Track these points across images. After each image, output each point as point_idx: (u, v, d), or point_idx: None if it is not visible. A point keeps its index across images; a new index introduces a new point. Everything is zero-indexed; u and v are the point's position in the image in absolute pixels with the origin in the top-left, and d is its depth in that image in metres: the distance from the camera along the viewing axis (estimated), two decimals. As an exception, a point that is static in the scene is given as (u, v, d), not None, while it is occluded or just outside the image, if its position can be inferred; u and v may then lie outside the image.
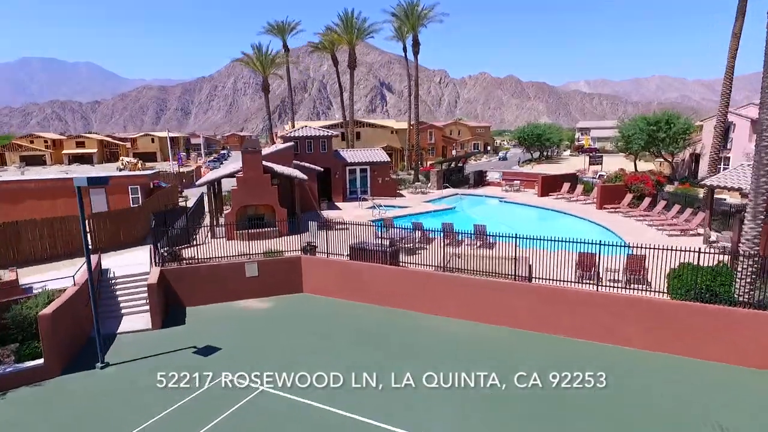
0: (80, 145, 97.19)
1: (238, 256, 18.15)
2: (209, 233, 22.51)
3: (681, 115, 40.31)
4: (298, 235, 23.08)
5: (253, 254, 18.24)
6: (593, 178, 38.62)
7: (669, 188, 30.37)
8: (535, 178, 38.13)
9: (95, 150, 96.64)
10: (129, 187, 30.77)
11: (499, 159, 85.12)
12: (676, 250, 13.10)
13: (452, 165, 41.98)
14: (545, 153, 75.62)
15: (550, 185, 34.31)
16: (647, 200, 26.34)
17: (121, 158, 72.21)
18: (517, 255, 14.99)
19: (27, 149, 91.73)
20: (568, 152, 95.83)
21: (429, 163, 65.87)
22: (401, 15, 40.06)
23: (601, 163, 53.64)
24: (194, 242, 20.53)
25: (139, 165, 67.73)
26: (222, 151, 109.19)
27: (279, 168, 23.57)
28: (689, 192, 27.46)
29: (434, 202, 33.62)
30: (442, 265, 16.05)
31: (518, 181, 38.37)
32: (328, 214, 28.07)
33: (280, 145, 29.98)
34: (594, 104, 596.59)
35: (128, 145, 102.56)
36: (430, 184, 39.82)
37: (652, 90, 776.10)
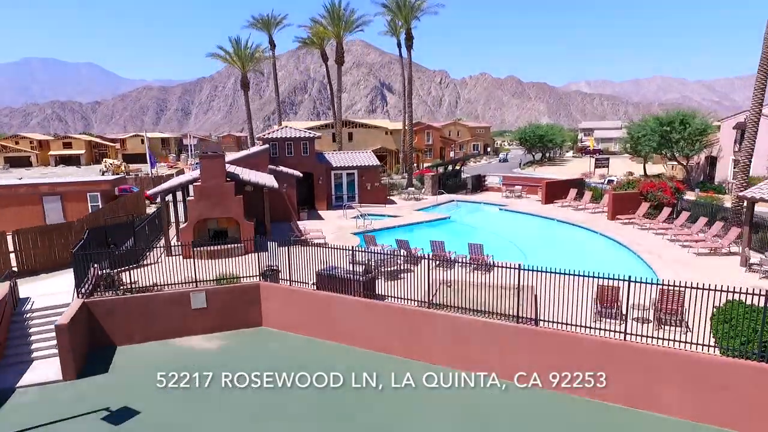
0: (67, 146, 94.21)
1: (185, 283, 15.05)
2: (164, 251, 19.51)
3: (696, 114, 37.23)
4: (266, 253, 20.12)
5: (203, 280, 15.15)
6: (601, 183, 35.58)
7: (689, 195, 27.31)
8: (538, 183, 35.07)
9: (83, 151, 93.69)
10: (88, 194, 27.80)
11: (500, 161, 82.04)
12: (736, 292, 9.95)
13: (449, 168, 38.96)
14: (547, 154, 72.64)
15: (555, 191, 31.23)
16: (666, 210, 23.25)
17: (104, 160, 69.21)
18: (521, 283, 11.93)
19: (12, 150, 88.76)
20: (570, 153, 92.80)
21: (425, 165, 62.83)
22: (393, 6, 37.05)
23: (608, 166, 50.63)
24: (144, 262, 17.53)
25: (123, 167, 64.73)
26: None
27: (245, 175, 20.53)
28: (714, 201, 24.37)
29: (427, 211, 30.57)
30: (427, 299, 12.96)
31: (520, 187, 35.31)
32: (305, 225, 25.03)
33: (254, 149, 26.99)
34: (595, 105, 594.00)
35: (118, 146, 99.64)
36: (424, 190, 36.78)
37: (653, 91, 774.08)
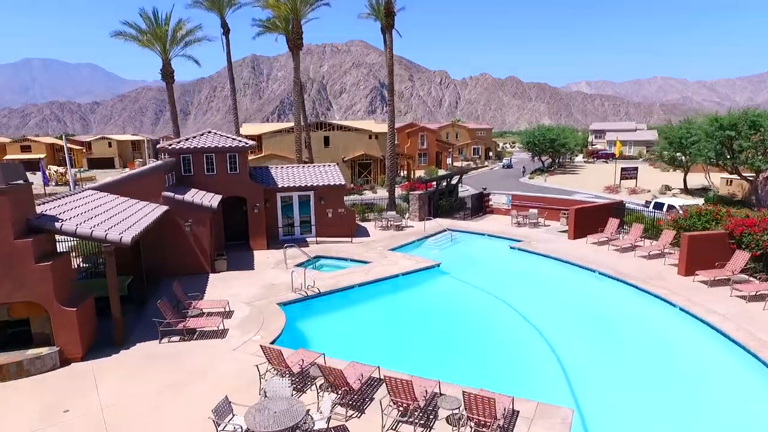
0: (26, 149, 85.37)
1: None
2: None
3: (771, 114, 28.27)
4: (116, 356, 11.56)
5: None
6: (647, 207, 26.71)
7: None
8: (561, 208, 26.31)
9: (44, 155, 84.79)
10: None
11: (503, 167, 73.18)
12: None
13: (441, 184, 30.15)
14: (557, 160, 63.79)
15: (586, 221, 22.42)
16: (786, 269, 14.41)
17: (48, 167, 60.37)
18: None
19: (-39, 155, 79.95)
20: (580, 157, 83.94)
21: (418, 175, 53.93)
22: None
23: (636, 177, 41.86)
24: None
25: (68, 176, 55.92)
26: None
27: (70, 222, 11.66)
28: None
29: (409, 250, 21.79)
30: None
31: (535, 211, 26.52)
32: (214, 286, 16.20)
33: (141, 169, 18.24)
34: (596, 105, 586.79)
35: (84, 149, 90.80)
36: (408, 214, 27.95)
37: (653, 91, 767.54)
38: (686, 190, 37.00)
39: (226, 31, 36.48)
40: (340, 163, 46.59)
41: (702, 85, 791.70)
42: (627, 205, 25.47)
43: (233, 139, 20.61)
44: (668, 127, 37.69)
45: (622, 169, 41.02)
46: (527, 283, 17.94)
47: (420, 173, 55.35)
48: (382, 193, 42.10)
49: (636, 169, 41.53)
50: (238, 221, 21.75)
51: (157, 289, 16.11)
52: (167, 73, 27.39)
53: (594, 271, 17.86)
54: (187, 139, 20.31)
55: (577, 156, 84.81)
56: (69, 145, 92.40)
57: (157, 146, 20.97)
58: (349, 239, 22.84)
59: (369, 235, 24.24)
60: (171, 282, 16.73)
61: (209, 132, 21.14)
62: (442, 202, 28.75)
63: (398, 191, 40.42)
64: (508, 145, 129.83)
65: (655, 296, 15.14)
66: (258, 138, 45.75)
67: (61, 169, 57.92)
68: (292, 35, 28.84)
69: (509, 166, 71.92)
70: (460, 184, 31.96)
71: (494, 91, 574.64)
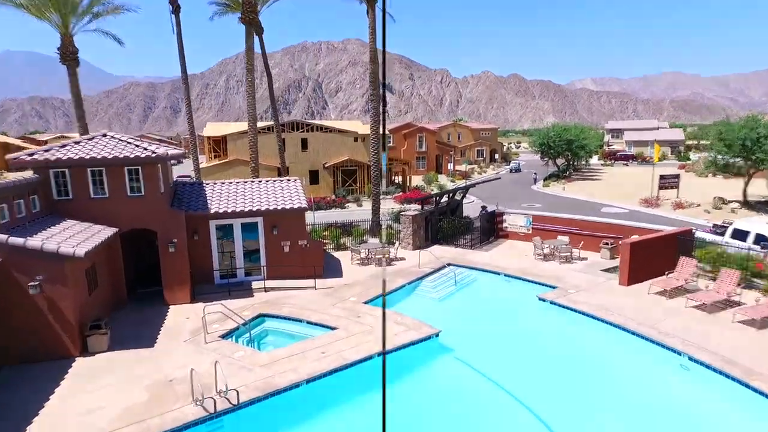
0: (-18, 151, 79.12)
1: None
2: None
3: None
4: None
5: None
6: (716, 232, 19.94)
7: None
8: (598, 232, 19.78)
9: (-1, 157, 78.62)
10: None
11: (511, 171, 66.37)
12: None
13: (442, 200, 23.59)
14: (573, 163, 56.94)
15: (644, 258, 15.90)
16: None
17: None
18: None
19: None
20: (595, 159, 76.85)
21: (415, 182, 47.39)
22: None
23: (678, 187, 35.15)
24: None
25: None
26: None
27: None
28: None
29: (397, 300, 15.31)
30: None
31: (566, 239, 19.98)
32: (66, 389, 9.67)
33: None
34: (602, 102, 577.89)
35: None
36: (399, 242, 21.39)
37: (663, 87, 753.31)
38: (746, 203, 30.35)
39: (175, 8, 30.00)
40: (320, 170, 40.15)
41: (714, 81, 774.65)
42: (700, 235, 18.81)
43: (136, 146, 14.10)
44: (725, 125, 30.87)
45: (661, 177, 34.23)
46: (571, 373, 11.38)
47: (418, 180, 48.79)
48: (369, 205, 35.69)
49: (677, 176, 34.72)
50: (157, 257, 15.23)
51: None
52: (67, 54, 20.72)
53: (680, 354, 11.32)
54: (63, 146, 13.84)
55: (591, 158, 78.11)
56: (25, 144, 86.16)
57: (7, 157, 14.36)
58: (312, 283, 16.37)
59: (341, 274, 17.79)
60: (9, 373, 10.34)
61: (103, 135, 14.65)
62: (443, 224, 22.23)
63: (391, 204, 33.95)
64: (513, 146, 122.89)
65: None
66: (222, 140, 39.35)
67: None
68: (243, 7, 22.26)
69: (517, 170, 65.11)
70: (465, 197, 25.45)
71: (496, 89, 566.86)
